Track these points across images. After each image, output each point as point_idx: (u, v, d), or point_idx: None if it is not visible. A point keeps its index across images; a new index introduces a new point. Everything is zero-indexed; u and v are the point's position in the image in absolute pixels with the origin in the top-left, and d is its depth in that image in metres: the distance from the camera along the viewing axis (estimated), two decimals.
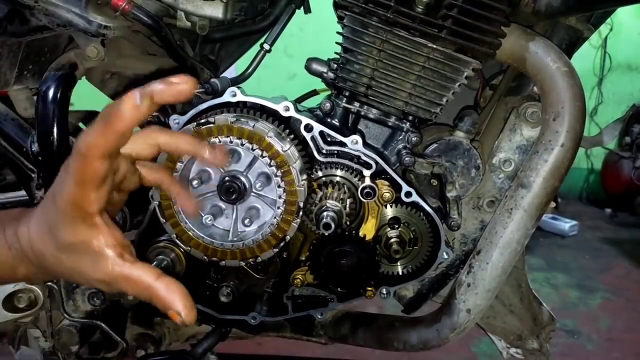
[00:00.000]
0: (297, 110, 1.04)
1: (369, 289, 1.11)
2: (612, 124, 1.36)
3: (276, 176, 0.96)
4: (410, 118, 1.07)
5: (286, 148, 0.96)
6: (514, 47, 1.03)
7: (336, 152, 1.05)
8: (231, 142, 0.95)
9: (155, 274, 0.67)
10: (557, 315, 1.30)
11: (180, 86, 0.63)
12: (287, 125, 1.03)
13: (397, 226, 1.09)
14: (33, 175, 1.13)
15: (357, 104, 1.08)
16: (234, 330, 1.25)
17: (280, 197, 0.97)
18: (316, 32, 3.05)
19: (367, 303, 1.17)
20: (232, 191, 0.96)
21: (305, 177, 0.99)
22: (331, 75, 1.08)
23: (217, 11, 1.12)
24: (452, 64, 1.00)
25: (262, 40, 1.36)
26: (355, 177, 1.05)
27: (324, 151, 1.05)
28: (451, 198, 1.11)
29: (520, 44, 1.03)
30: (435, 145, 1.12)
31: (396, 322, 1.24)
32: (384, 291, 1.12)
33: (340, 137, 1.04)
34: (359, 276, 1.08)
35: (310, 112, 1.11)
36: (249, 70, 1.36)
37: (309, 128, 1.04)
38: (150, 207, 1.05)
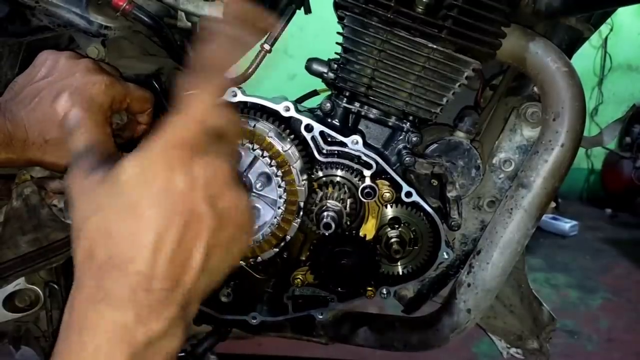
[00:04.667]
0: (297, 110, 1.04)
1: (369, 288, 1.11)
2: (612, 124, 1.36)
3: (276, 176, 0.96)
4: (410, 118, 1.07)
5: (286, 148, 0.96)
6: (514, 47, 1.03)
7: (336, 152, 1.05)
8: None
9: None
10: (557, 315, 1.30)
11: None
12: (287, 125, 1.03)
13: (397, 226, 1.09)
14: None
15: (357, 104, 1.07)
16: (234, 330, 1.25)
17: (280, 197, 0.97)
18: (316, 32, 3.05)
19: (367, 303, 1.16)
20: None
21: (305, 176, 0.99)
22: (331, 75, 1.08)
23: (217, 11, 1.12)
24: (452, 64, 1.00)
25: (262, 40, 1.36)
26: (356, 176, 1.05)
27: (324, 151, 1.05)
28: (451, 198, 1.11)
29: (520, 44, 1.03)
30: (435, 145, 1.12)
31: (396, 322, 1.24)
32: (384, 291, 1.13)
33: (340, 137, 1.04)
34: (359, 276, 1.09)
35: (311, 112, 1.11)
36: (249, 70, 1.36)
37: (309, 128, 1.04)
38: None
